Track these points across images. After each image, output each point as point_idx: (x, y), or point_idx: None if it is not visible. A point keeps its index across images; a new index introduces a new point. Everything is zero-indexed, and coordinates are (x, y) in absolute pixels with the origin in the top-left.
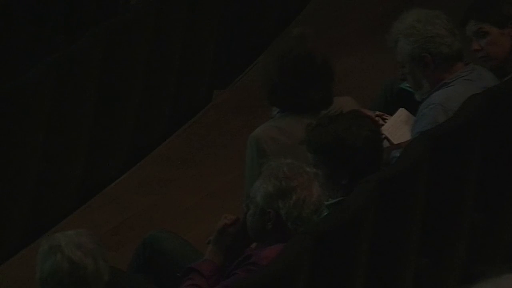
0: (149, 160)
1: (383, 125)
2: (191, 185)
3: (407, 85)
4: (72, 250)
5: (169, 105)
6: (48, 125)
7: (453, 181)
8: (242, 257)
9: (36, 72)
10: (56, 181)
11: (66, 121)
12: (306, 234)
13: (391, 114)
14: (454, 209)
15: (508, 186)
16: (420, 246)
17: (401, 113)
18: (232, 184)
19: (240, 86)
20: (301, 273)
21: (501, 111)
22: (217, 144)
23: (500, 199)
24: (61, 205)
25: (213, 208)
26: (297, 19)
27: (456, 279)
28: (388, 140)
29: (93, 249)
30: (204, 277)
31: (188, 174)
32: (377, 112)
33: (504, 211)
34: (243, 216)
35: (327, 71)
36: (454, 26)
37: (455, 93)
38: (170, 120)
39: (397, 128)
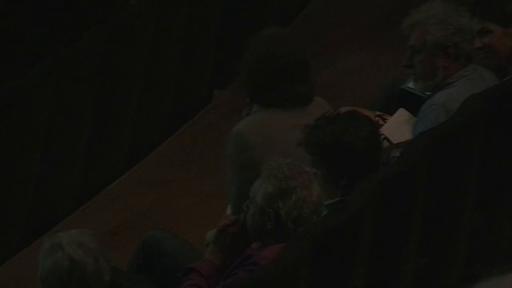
0: (149, 160)
1: (383, 125)
2: (191, 185)
3: (408, 85)
4: (73, 248)
5: (169, 105)
6: (48, 125)
7: (453, 181)
8: (242, 257)
9: (36, 73)
10: (56, 181)
11: (66, 121)
12: (306, 234)
13: (391, 114)
14: (454, 209)
15: (508, 186)
16: (420, 246)
17: (401, 113)
18: None
19: (240, 86)
20: (301, 273)
21: (501, 111)
22: (217, 144)
23: (500, 199)
24: (61, 205)
25: (213, 208)
26: (297, 19)
27: (456, 279)
28: (388, 140)
29: (94, 249)
30: (204, 277)
31: (188, 174)
32: (377, 112)
33: (504, 211)
34: (243, 216)
35: (305, 68)
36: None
37: (457, 94)
38: (170, 120)
39: (397, 128)
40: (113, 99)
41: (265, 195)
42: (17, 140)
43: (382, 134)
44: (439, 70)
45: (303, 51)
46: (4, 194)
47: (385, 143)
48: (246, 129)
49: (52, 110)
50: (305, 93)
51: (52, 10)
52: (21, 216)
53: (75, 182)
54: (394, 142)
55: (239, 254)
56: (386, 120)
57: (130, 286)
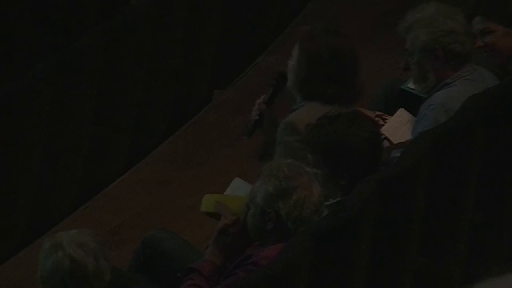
0: (149, 160)
1: (383, 125)
2: (191, 185)
3: (407, 86)
4: (74, 248)
5: (169, 105)
6: (48, 125)
7: (453, 181)
8: (242, 257)
9: (36, 72)
10: (56, 181)
11: (66, 121)
12: (306, 234)
13: (391, 114)
14: (454, 209)
15: (508, 186)
16: (420, 246)
17: (401, 113)
18: None
19: (240, 86)
20: (301, 273)
21: (501, 111)
22: (217, 144)
23: (500, 199)
24: (61, 205)
25: None
26: (297, 19)
27: (456, 279)
28: (388, 140)
29: (95, 249)
30: (204, 277)
31: (188, 174)
32: (377, 112)
33: (504, 211)
34: (243, 216)
35: (357, 66)
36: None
37: (457, 94)
38: (170, 120)
39: (397, 128)
40: (113, 99)
41: (266, 195)
42: (17, 140)
43: (383, 134)
44: (430, 73)
45: (353, 51)
46: (5, 193)
47: (385, 143)
48: (298, 119)
49: (52, 110)
50: (350, 93)
51: (52, 10)
52: (21, 216)
53: (75, 182)
54: (394, 142)
55: (239, 254)
56: (386, 120)
57: (130, 286)
